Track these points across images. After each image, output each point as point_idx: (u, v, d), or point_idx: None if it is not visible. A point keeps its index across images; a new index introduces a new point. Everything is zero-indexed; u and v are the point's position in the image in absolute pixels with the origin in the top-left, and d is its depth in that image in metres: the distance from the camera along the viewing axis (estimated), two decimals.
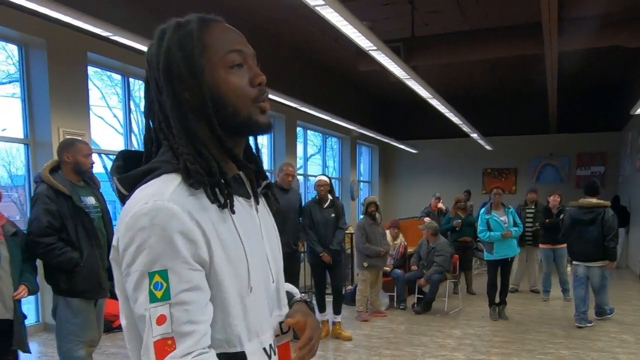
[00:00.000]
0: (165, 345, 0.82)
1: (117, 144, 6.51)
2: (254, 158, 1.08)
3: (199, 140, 0.93)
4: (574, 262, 5.79)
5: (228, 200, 0.93)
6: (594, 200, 5.56)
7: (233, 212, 0.94)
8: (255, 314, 0.97)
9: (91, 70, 5.70)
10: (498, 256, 6.08)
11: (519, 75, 10.67)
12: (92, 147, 5.55)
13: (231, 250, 0.92)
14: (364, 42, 5.36)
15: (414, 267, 6.88)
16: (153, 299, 0.83)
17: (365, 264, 6.07)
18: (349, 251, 7.57)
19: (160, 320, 0.83)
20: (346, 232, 6.12)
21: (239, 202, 0.98)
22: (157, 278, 0.83)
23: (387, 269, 6.76)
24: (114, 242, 0.90)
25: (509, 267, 6.29)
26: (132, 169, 0.96)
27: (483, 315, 6.32)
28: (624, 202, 10.77)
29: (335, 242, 5.37)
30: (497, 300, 6.23)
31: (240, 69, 0.95)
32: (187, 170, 0.90)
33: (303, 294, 1.25)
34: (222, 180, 0.92)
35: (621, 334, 5.48)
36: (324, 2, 4.27)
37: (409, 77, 6.75)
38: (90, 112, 5.59)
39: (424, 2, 6.95)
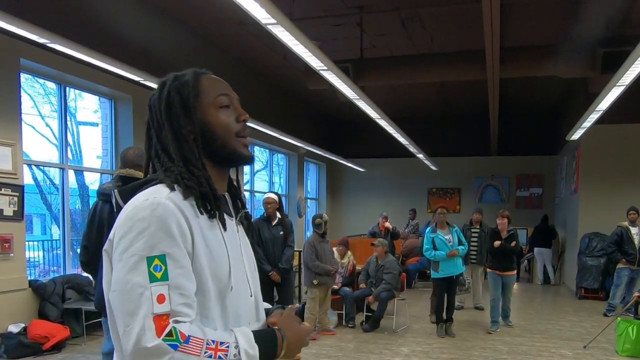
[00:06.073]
0: (162, 320, 0.96)
1: (50, 155, 6.10)
2: (234, 187, 1.26)
3: (191, 164, 1.11)
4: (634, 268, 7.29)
5: (217, 212, 1.10)
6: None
7: (223, 222, 1.11)
8: (234, 316, 1.10)
9: (22, 77, 5.37)
10: (443, 274, 6.19)
11: (463, 98, 11.05)
12: (23, 158, 5.23)
13: (215, 251, 1.07)
14: (314, 61, 5.35)
15: (362, 285, 6.86)
16: (153, 279, 0.97)
17: (315, 282, 5.99)
18: (296, 269, 7.46)
19: (160, 298, 0.96)
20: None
21: (224, 217, 1.14)
22: (156, 262, 0.97)
23: (336, 286, 6.71)
24: (110, 236, 1.03)
25: (454, 285, 6.40)
26: None
27: (430, 332, 6.37)
28: (559, 223, 11.27)
29: (284, 260, 5.27)
30: (444, 317, 6.30)
31: (227, 109, 1.16)
32: (178, 181, 1.07)
33: None
34: (212, 194, 1.10)
35: (560, 349, 5.66)
36: (275, 21, 4.24)
37: (358, 97, 6.82)
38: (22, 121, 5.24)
39: (372, 25, 7.08)
